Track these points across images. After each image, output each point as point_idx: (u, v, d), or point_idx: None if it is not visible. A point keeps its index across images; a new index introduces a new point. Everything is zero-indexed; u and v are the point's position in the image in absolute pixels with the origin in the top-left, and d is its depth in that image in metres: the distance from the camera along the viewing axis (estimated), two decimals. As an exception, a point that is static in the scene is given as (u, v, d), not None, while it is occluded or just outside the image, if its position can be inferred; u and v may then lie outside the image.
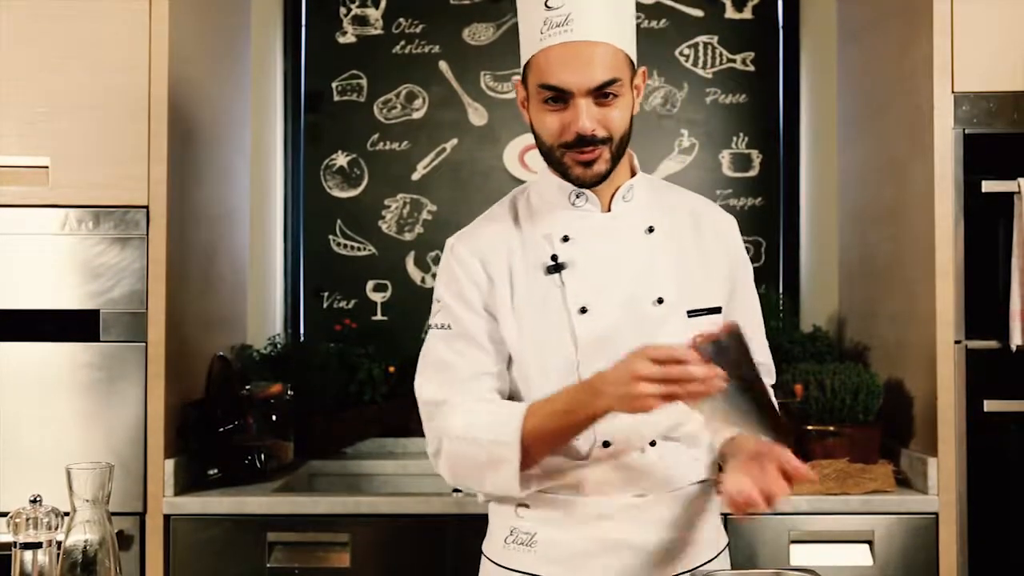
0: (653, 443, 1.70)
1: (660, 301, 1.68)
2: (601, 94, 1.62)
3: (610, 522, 1.69)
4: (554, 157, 1.69)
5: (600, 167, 1.66)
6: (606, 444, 1.68)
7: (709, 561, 1.76)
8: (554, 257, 1.71)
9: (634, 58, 1.70)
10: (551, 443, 1.63)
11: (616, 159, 1.68)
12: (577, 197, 1.73)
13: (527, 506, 1.73)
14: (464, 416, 1.66)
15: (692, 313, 1.70)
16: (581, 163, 1.65)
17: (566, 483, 1.70)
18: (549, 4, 1.63)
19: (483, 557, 1.82)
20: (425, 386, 1.74)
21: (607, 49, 1.62)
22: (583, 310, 1.67)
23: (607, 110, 1.63)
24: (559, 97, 1.63)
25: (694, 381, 1.45)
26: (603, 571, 1.69)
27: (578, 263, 1.70)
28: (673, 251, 1.74)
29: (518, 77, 1.75)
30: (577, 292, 1.69)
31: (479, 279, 1.73)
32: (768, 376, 1.84)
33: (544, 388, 1.66)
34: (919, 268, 2.69)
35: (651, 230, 1.74)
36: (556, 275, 1.70)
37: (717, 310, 1.74)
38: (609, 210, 1.74)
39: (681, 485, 1.73)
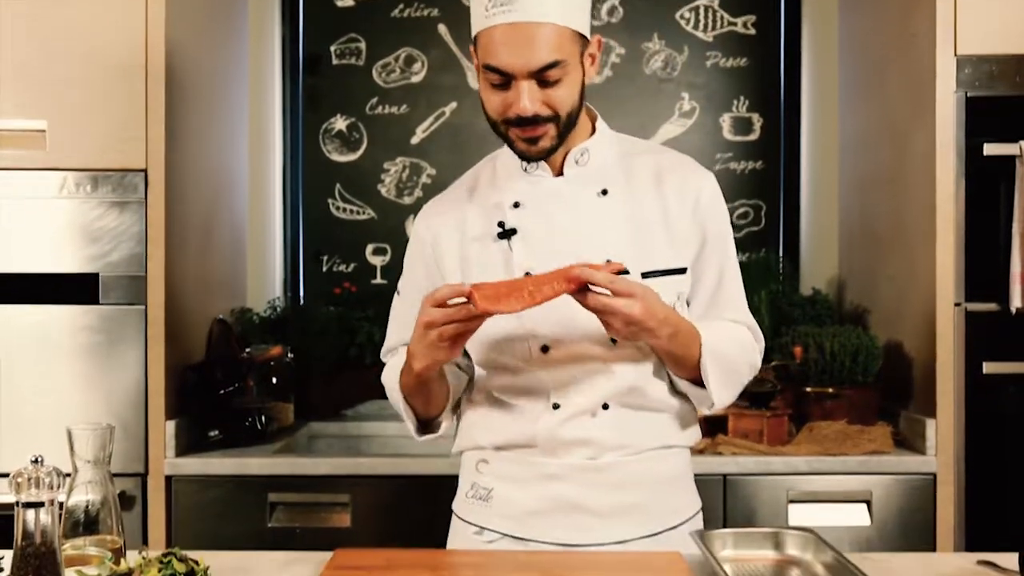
0: (606, 406, 1.70)
1: (608, 263, 1.67)
2: (545, 77, 1.60)
3: (562, 483, 1.71)
4: (499, 131, 1.70)
5: (545, 143, 1.66)
6: (556, 406, 1.69)
7: (675, 527, 1.75)
8: (501, 224, 1.72)
9: (586, 31, 1.66)
10: (415, 392, 1.74)
11: (564, 133, 1.68)
12: (529, 163, 1.74)
13: (486, 462, 1.77)
14: (386, 370, 1.85)
15: (647, 275, 1.68)
16: (525, 139, 1.66)
17: (520, 441, 1.72)
18: None
19: (452, 513, 1.86)
20: (384, 345, 1.92)
21: (551, 29, 1.58)
22: (527, 274, 1.67)
23: (551, 90, 1.62)
24: (502, 79, 1.62)
25: (477, 318, 1.53)
26: (555, 530, 1.71)
27: (527, 229, 1.71)
28: (629, 212, 1.72)
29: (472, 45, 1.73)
30: (524, 257, 1.70)
31: (426, 254, 1.81)
32: (756, 339, 1.81)
33: (489, 354, 1.71)
34: (920, 231, 2.68)
35: (604, 192, 1.72)
36: (505, 241, 1.72)
37: (680, 271, 1.72)
38: (561, 174, 1.74)
39: (638, 449, 1.72)
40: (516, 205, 1.73)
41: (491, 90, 1.65)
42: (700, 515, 1.83)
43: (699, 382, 1.70)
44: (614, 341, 1.68)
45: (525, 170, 1.74)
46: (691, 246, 1.74)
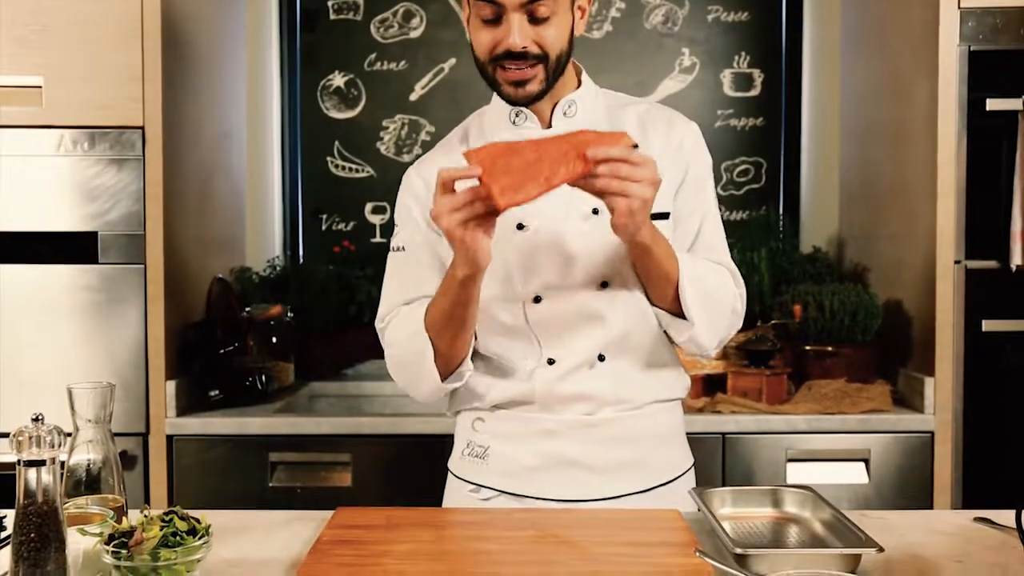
0: (602, 358, 1.70)
1: (596, 212, 1.67)
2: (535, 11, 1.60)
3: (559, 439, 1.71)
4: (487, 74, 1.68)
5: (533, 87, 1.66)
6: (551, 361, 1.70)
7: (670, 481, 1.76)
8: None
9: None
10: (447, 324, 1.64)
11: (553, 78, 1.67)
12: (516, 116, 1.73)
13: (482, 420, 1.77)
14: (393, 325, 1.76)
15: None
16: (512, 82, 1.65)
17: (517, 398, 1.73)
18: None
19: (448, 472, 1.86)
20: (380, 309, 1.82)
21: None
22: (520, 226, 1.68)
23: (541, 28, 1.62)
24: (493, 13, 1.62)
25: (490, 196, 1.43)
26: (552, 486, 1.72)
27: None
28: None
29: None
30: (515, 208, 1.68)
31: (422, 196, 1.76)
32: (736, 283, 1.77)
33: (482, 303, 1.67)
34: (920, 188, 2.67)
35: None
36: None
37: (663, 215, 1.72)
38: (550, 126, 1.73)
39: (636, 404, 1.73)
40: None
41: (481, 27, 1.65)
42: (692, 471, 1.84)
43: (679, 315, 1.68)
44: (604, 285, 1.68)
45: (514, 122, 1.74)
46: (674, 190, 1.74)
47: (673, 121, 1.79)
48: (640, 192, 1.47)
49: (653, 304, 1.72)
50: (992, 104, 2.53)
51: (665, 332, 1.75)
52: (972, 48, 2.55)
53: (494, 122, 1.77)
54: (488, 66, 1.67)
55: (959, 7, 2.54)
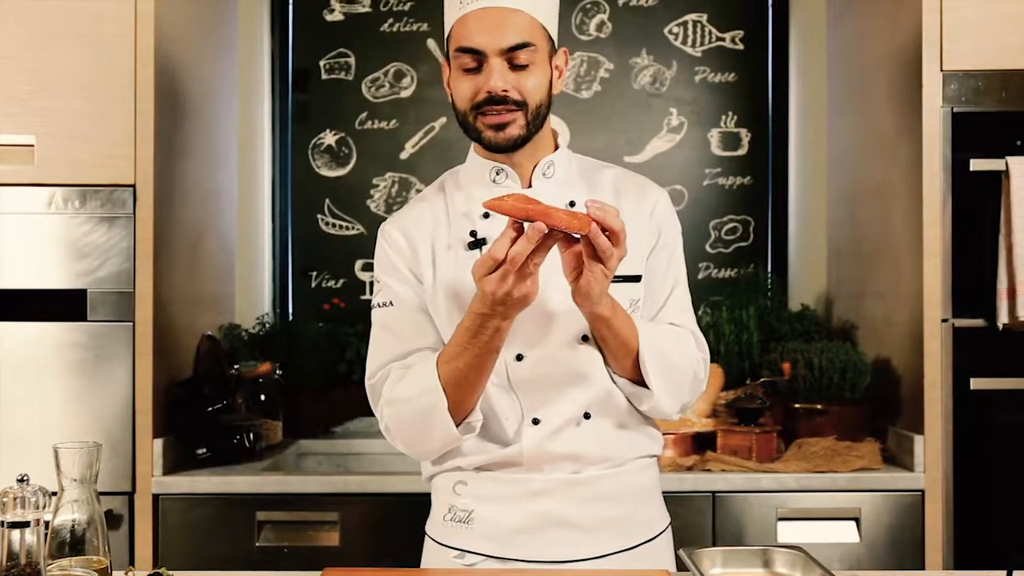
0: (588, 416, 1.71)
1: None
2: (515, 59, 1.66)
3: (546, 498, 1.71)
4: (468, 124, 1.72)
5: (513, 131, 1.69)
6: (535, 421, 1.70)
7: (650, 540, 1.77)
8: (473, 233, 1.74)
9: (554, 36, 1.75)
10: (465, 380, 1.63)
11: (532, 128, 1.70)
12: (497, 174, 1.76)
13: (465, 483, 1.75)
14: (393, 381, 1.72)
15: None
16: (492, 126, 1.68)
17: (502, 460, 1.72)
18: None
19: (425, 536, 1.83)
20: (369, 367, 1.79)
21: (522, 16, 1.67)
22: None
23: (521, 75, 1.67)
24: (475, 61, 1.67)
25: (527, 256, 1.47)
26: (539, 547, 1.70)
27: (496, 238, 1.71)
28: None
29: (444, 60, 1.78)
30: None
31: (405, 251, 1.78)
32: (699, 347, 1.80)
33: None
34: (907, 246, 2.69)
35: (572, 204, 1.75)
36: (477, 251, 1.73)
37: (635, 279, 1.75)
38: (530, 186, 1.76)
39: (619, 461, 1.74)
40: (486, 215, 1.74)
41: (463, 77, 1.70)
42: (670, 529, 1.85)
43: (641, 383, 1.70)
44: (584, 339, 1.70)
45: (494, 180, 1.76)
46: (645, 254, 1.78)
47: (645, 187, 1.84)
48: (621, 252, 1.51)
49: (615, 373, 1.73)
50: (976, 164, 2.56)
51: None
52: (955, 110, 2.59)
53: (474, 180, 1.79)
54: (469, 115, 1.70)
55: (941, 70, 2.58)
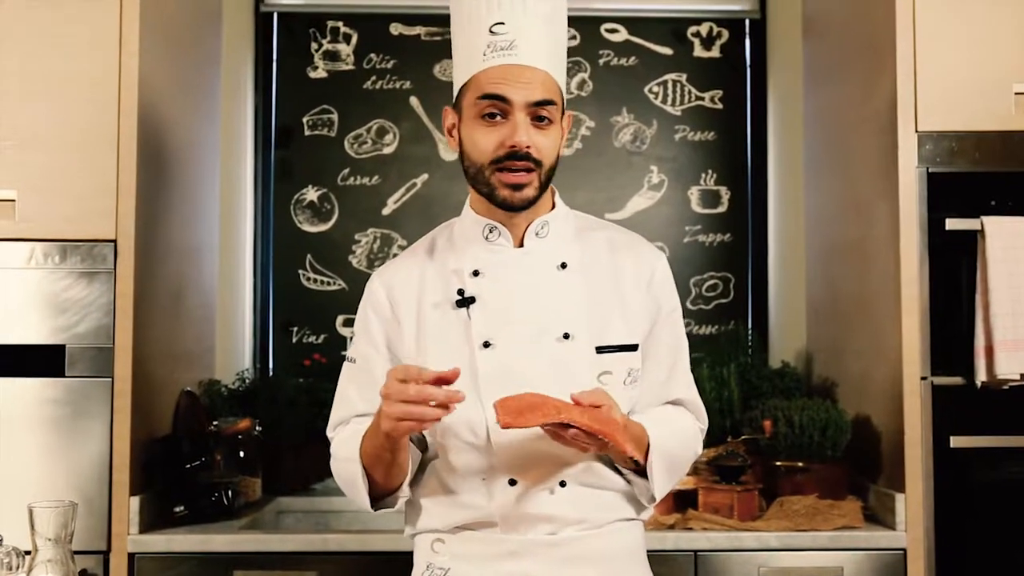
0: (563, 484, 1.70)
1: (566, 336, 1.69)
2: (537, 116, 1.67)
3: (523, 559, 1.69)
4: (482, 178, 1.70)
5: (529, 192, 1.69)
6: (512, 482, 1.69)
7: None
8: (460, 292, 1.73)
9: (564, 99, 1.77)
10: (377, 461, 1.68)
11: (543, 188, 1.71)
12: (490, 232, 1.75)
13: (443, 541, 1.74)
14: (339, 440, 1.79)
15: (601, 349, 1.71)
16: (510, 185, 1.68)
17: (478, 520, 1.71)
18: (494, 30, 1.68)
19: None
20: (332, 418, 1.84)
21: (547, 75, 1.70)
22: (486, 344, 1.69)
23: (541, 134, 1.68)
24: (497, 111, 1.67)
25: (427, 405, 1.50)
26: None
27: (486, 298, 1.72)
28: (586, 287, 1.75)
29: (448, 106, 1.79)
30: (482, 326, 1.70)
31: (385, 315, 1.79)
32: (699, 420, 1.84)
33: (446, 422, 1.66)
34: (885, 305, 2.71)
35: (564, 266, 1.75)
36: (464, 310, 1.72)
37: (632, 347, 1.74)
38: (522, 245, 1.76)
39: (598, 523, 1.72)
40: (476, 273, 1.74)
41: (482, 128, 1.68)
42: None
43: (643, 472, 1.72)
44: None
45: (487, 238, 1.75)
46: (644, 323, 1.78)
47: (641, 250, 1.84)
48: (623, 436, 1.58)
49: (618, 464, 1.74)
50: (952, 224, 2.59)
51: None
52: (931, 170, 2.63)
53: (466, 237, 1.78)
54: (486, 169, 1.69)
55: (916, 130, 2.62)
